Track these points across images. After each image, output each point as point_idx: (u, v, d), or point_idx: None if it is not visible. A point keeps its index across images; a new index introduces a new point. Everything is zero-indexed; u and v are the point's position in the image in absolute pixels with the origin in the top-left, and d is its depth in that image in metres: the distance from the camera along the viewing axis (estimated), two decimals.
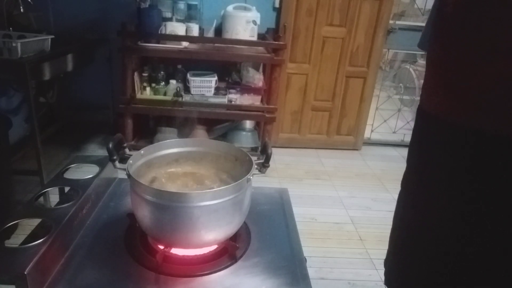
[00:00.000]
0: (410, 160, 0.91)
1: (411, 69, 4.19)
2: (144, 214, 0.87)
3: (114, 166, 0.93)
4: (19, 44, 1.86)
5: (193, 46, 2.78)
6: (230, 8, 2.79)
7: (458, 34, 0.73)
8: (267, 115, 2.86)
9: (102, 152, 2.71)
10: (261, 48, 2.89)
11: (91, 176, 1.09)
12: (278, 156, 3.09)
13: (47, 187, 1.06)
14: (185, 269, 0.86)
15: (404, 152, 3.88)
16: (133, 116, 2.85)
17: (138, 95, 2.80)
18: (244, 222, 0.99)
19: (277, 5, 3.02)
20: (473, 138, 0.72)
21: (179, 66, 2.90)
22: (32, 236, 0.84)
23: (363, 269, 1.94)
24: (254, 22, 2.77)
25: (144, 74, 2.85)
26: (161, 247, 0.88)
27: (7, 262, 0.75)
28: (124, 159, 0.95)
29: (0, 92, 2.46)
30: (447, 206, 0.78)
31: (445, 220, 0.79)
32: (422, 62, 4.28)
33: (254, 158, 0.96)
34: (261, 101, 2.94)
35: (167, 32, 2.66)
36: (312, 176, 2.89)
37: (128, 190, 0.94)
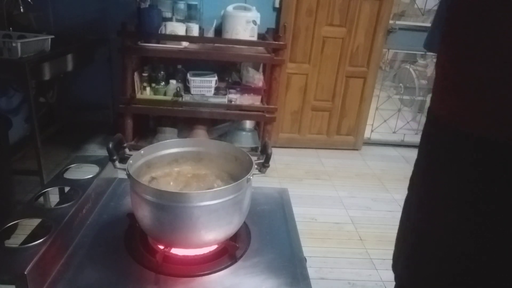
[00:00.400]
0: (417, 162, 0.90)
1: (411, 69, 4.19)
2: (144, 214, 0.87)
3: (114, 166, 0.93)
4: (19, 44, 1.86)
5: (193, 46, 2.78)
6: (230, 8, 2.79)
7: (472, 46, 0.71)
8: (267, 115, 2.86)
9: (102, 152, 2.71)
10: (261, 48, 2.89)
11: (91, 176, 1.09)
12: (278, 156, 3.09)
13: (47, 187, 1.06)
14: (185, 269, 0.86)
15: (404, 152, 3.88)
16: (133, 116, 2.85)
17: (138, 95, 2.80)
18: (244, 222, 0.99)
19: (277, 5, 3.02)
20: (484, 145, 0.71)
21: (179, 66, 2.90)
22: (32, 236, 0.84)
23: (363, 269, 1.94)
24: (254, 22, 2.77)
25: (144, 74, 2.85)
26: (161, 247, 0.88)
27: (7, 262, 0.75)
28: (124, 159, 0.95)
29: (0, 92, 2.46)
30: (451, 212, 0.78)
31: (449, 225, 0.78)
32: (422, 62, 4.28)
33: (254, 158, 0.96)
34: (261, 101, 2.94)
35: (167, 32, 2.65)
36: (312, 176, 2.89)
37: (128, 190, 0.94)
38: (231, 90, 2.87)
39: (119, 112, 2.84)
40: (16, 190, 2.02)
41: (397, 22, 3.24)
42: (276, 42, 2.75)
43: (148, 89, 2.85)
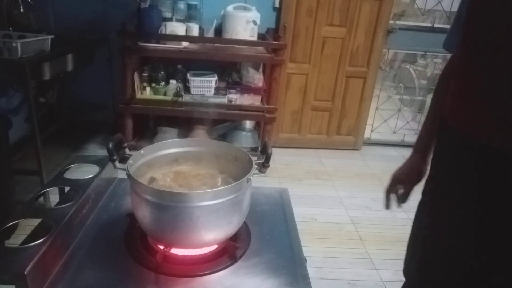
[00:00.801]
0: (431, 168, 0.91)
1: (411, 69, 4.19)
2: (144, 214, 0.87)
3: (114, 166, 0.93)
4: (19, 44, 1.86)
5: (193, 46, 2.78)
6: (230, 8, 2.79)
7: (488, 54, 0.71)
8: (267, 115, 2.86)
9: (102, 152, 2.71)
10: (261, 48, 2.89)
11: (91, 176, 1.09)
12: (278, 156, 3.09)
13: (47, 187, 1.06)
14: (185, 269, 0.86)
15: (404, 152, 3.88)
16: (133, 116, 2.85)
17: (138, 95, 2.80)
18: (244, 222, 0.99)
19: (277, 5, 3.02)
20: (490, 154, 0.71)
21: (179, 66, 2.90)
22: (32, 236, 0.84)
23: (363, 269, 1.94)
24: (254, 22, 2.77)
25: (144, 74, 2.85)
26: (161, 247, 0.88)
27: (7, 262, 0.75)
28: (124, 159, 0.95)
29: (0, 92, 2.46)
30: (458, 219, 0.78)
31: (455, 231, 0.79)
32: (422, 62, 4.28)
33: (254, 158, 0.96)
34: (261, 101, 2.94)
35: (167, 32, 2.66)
36: (312, 176, 2.89)
37: (128, 190, 0.94)
38: (231, 90, 2.87)
39: (119, 112, 2.84)
40: (16, 190, 2.02)
41: (397, 22, 3.23)
42: (276, 42, 2.75)
43: (148, 89, 2.85)
